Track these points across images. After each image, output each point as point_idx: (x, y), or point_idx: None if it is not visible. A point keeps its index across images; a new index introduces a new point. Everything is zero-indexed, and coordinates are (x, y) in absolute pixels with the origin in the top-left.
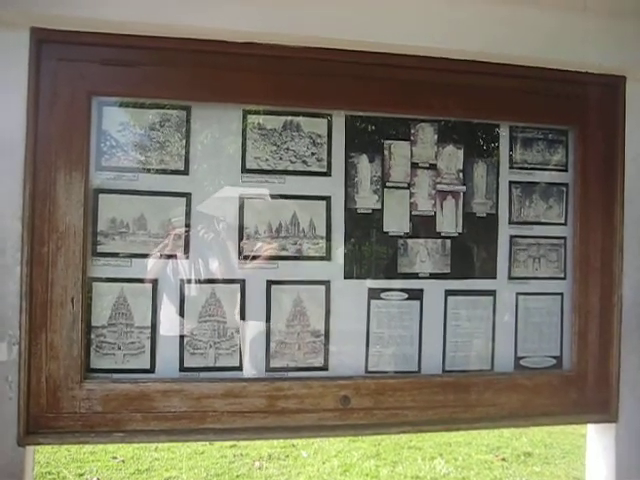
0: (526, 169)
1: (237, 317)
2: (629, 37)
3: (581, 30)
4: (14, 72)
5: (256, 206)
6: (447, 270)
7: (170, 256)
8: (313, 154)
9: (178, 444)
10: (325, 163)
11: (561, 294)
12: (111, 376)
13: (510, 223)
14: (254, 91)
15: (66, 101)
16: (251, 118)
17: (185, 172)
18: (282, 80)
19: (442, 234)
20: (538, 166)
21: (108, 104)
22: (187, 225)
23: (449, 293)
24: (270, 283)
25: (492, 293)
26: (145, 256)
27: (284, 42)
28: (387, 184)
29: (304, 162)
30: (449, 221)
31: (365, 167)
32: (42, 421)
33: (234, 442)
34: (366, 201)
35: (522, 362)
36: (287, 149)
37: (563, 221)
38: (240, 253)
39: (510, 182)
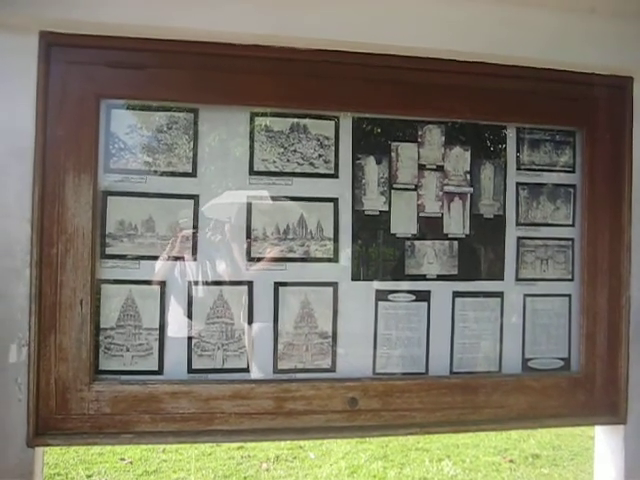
0: (533, 170)
1: (245, 319)
2: (636, 38)
3: (587, 31)
4: (23, 75)
5: (263, 208)
6: (454, 272)
7: (178, 258)
8: (320, 156)
9: (186, 445)
10: (332, 165)
11: (569, 296)
12: (119, 378)
13: (517, 224)
14: (261, 93)
15: (75, 104)
16: (258, 120)
17: (193, 174)
18: (289, 82)
19: (449, 236)
20: (545, 167)
21: (116, 107)
22: (195, 227)
23: (456, 295)
24: (278, 285)
25: (500, 295)
26: (153, 258)
27: (291, 44)
28: (394, 186)
29: (311, 164)
30: (456, 223)
31: (372, 169)
32: (51, 422)
33: (242, 443)
34: (373, 203)
35: (530, 364)
36: (294, 151)
37: (571, 222)
38: (248, 255)
39: (517, 183)
